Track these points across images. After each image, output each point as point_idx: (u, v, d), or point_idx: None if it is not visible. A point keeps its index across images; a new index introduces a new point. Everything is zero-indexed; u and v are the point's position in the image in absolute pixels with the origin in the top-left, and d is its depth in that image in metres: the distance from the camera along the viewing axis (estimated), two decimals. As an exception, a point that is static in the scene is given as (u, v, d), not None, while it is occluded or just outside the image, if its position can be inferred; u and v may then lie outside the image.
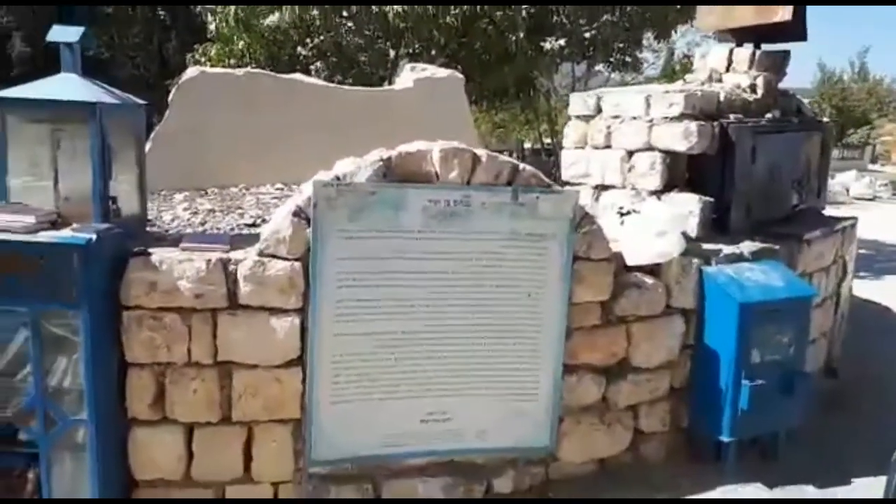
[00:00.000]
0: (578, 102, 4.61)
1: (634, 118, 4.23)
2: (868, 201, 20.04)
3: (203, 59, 11.23)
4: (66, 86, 2.97)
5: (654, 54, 17.07)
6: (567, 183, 4.52)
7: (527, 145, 21.49)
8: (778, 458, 3.82)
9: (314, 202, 3.01)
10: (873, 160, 32.59)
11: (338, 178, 3.07)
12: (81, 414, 2.88)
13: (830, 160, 5.37)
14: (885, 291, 7.99)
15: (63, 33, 3.01)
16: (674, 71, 16.78)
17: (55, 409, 2.88)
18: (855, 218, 5.40)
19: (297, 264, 3.05)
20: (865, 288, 7.90)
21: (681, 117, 4.03)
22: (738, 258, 3.85)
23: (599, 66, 14.15)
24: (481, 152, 3.25)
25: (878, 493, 3.03)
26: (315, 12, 10.22)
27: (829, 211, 5.56)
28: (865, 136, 30.64)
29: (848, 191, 20.54)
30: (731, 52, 4.75)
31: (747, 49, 4.72)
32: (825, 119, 5.58)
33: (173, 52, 18.29)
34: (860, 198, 20.32)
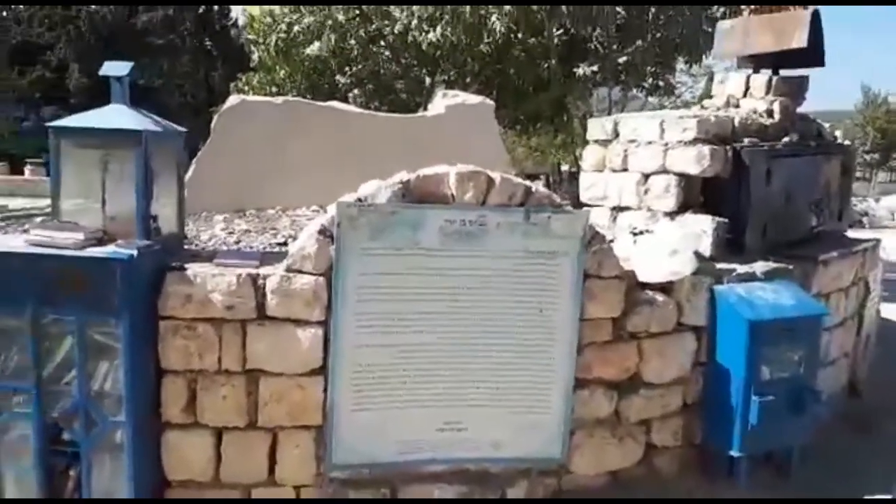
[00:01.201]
0: (597, 127, 4.77)
1: (650, 142, 4.38)
2: (914, 226, 19.56)
3: (246, 88, 11.73)
4: (116, 116, 3.26)
5: (692, 78, 17.11)
6: (585, 204, 4.66)
7: (564, 168, 21.60)
8: (791, 475, 3.87)
9: (338, 222, 3.22)
10: (924, 183, 31.81)
11: (360, 200, 3.28)
12: (120, 416, 3.11)
13: (852, 184, 5.41)
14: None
15: (114, 68, 3.30)
16: (710, 95, 16.79)
17: (96, 412, 3.12)
18: (878, 240, 5.41)
19: (322, 279, 3.26)
20: (904, 313, 7.81)
21: (694, 141, 4.16)
22: (751, 278, 3.94)
23: (635, 91, 14.26)
24: (495, 175, 3.42)
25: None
26: (353, 42, 10.62)
27: (871, 235, 5.56)
28: (913, 159, 29.98)
29: (893, 215, 20.12)
30: (748, 78, 4.87)
31: (764, 75, 4.83)
32: (848, 142, 5.62)
33: (219, 81, 19.06)
34: (906, 222, 19.85)
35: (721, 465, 3.81)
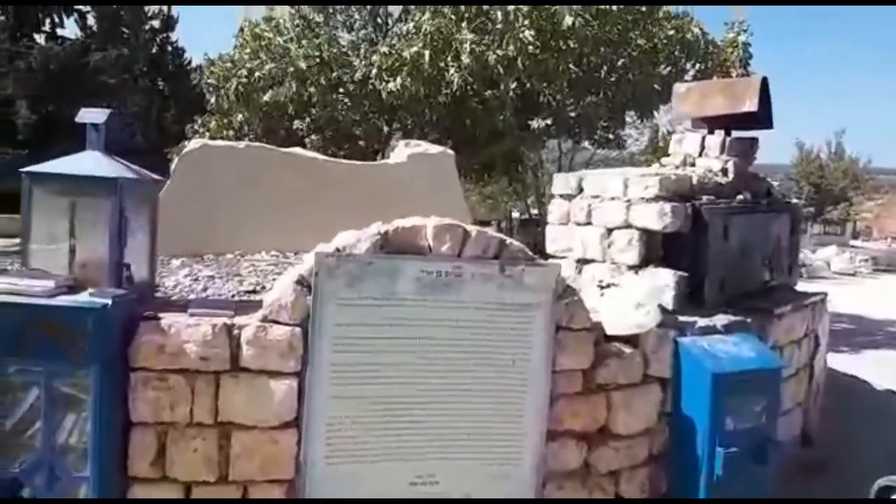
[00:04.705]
0: (561, 182, 4.93)
1: (613, 198, 4.53)
2: (849, 276, 20.50)
3: (202, 131, 11.66)
4: (91, 162, 3.24)
5: (637, 130, 17.72)
6: (551, 256, 4.77)
7: (515, 215, 21.99)
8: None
9: (315, 271, 3.23)
10: (854, 236, 33.48)
11: (338, 250, 3.31)
12: (85, 471, 3.01)
13: (800, 240, 5.68)
14: (863, 365, 8.22)
15: (90, 115, 3.30)
16: (656, 148, 17.49)
17: (60, 466, 3.01)
18: (825, 293, 5.67)
19: (298, 329, 3.25)
20: (845, 362, 8.14)
21: (656, 198, 4.33)
22: (712, 330, 4.07)
23: (585, 143, 14.69)
24: (471, 228, 3.50)
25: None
26: (313, 89, 10.69)
27: (810, 286, 5.84)
28: (845, 213, 31.51)
29: (829, 265, 21.03)
30: (703, 138, 5.12)
31: (719, 136, 5.09)
32: (795, 200, 5.92)
33: (171, 122, 18.89)
34: (841, 273, 20.79)
35: (687, 516, 3.88)
